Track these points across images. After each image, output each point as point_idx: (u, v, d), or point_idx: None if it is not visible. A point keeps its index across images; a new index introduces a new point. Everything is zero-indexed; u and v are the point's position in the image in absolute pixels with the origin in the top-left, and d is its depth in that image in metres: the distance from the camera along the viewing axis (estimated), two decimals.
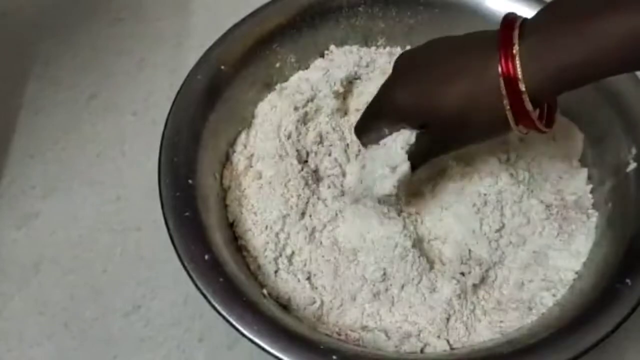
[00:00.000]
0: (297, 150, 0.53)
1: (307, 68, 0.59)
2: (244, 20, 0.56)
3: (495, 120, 0.42)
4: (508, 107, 0.40)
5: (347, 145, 0.54)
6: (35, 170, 0.58)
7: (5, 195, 0.57)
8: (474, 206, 0.50)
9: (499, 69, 0.39)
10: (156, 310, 0.51)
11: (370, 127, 0.49)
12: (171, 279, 0.51)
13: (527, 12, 0.44)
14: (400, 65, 0.47)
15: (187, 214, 0.46)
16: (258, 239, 0.49)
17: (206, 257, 0.44)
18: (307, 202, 0.50)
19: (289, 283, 0.47)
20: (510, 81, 0.39)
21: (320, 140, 0.54)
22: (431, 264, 0.48)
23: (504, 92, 0.40)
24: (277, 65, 0.57)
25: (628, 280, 0.42)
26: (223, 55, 0.54)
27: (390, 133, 0.47)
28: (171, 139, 0.49)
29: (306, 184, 0.51)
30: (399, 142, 0.47)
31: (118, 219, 0.55)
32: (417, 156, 0.47)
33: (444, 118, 0.43)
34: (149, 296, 0.52)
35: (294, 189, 0.50)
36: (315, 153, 0.54)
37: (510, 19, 0.41)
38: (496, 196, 0.51)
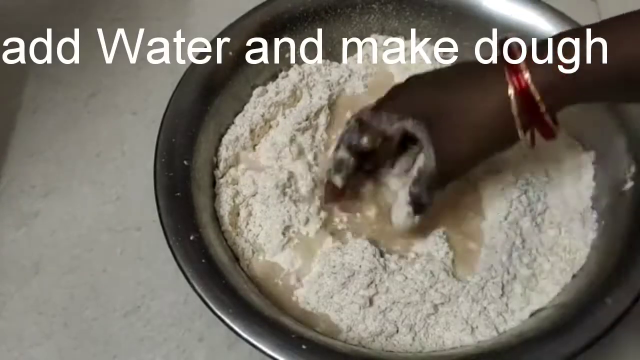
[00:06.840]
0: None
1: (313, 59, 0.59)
2: (255, 8, 0.56)
3: (504, 129, 0.42)
4: (516, 112, 0.41)
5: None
6: (35, 169, 0.58)
7: (4, 195, 0.57)
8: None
9: (508, 77, 0.41)
10: (156, 310, 0.51)
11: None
12: (171, 279, 0.51)
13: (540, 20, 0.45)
14: (410, 81, 0.47)
15: (178, 194, 0.47)
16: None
17: (192, 237, 0.45)
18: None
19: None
20: (522, 89, 0.40)
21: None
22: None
23: (512, 98, 0.41)
24: (286, 56, 0.57)
25: (608, 300, 0.42)
26: (232, 41, 0.54)
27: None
28: (171, 121, 0.50)
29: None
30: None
31: (118, 219, 0.55)
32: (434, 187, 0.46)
33: (451, 115, 0.43)
34: (149, 296, 0.52)
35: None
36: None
37: (505, 40, 0.43)
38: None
